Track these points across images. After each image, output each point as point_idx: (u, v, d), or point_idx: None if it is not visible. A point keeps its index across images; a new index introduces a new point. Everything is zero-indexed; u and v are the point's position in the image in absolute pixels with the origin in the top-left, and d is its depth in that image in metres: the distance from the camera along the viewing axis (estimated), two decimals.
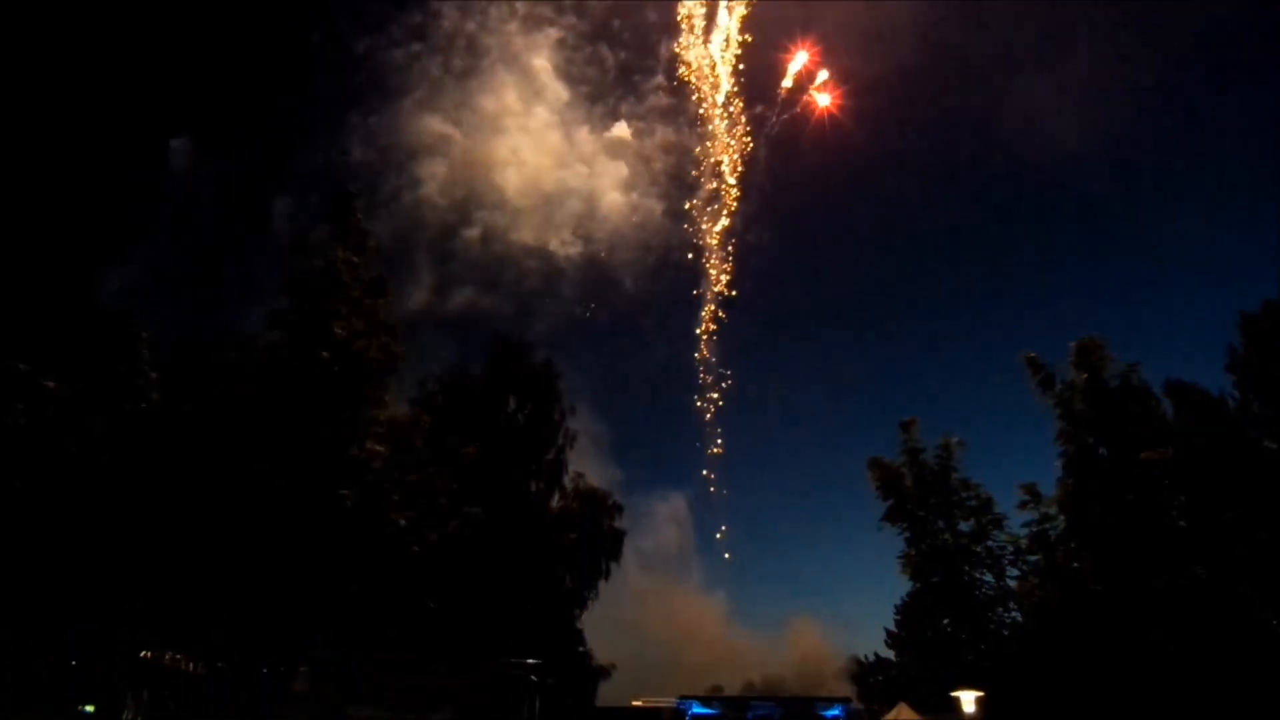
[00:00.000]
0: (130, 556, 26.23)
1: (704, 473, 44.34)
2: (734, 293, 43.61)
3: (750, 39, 39.31)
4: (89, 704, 26.44)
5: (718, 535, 46.30)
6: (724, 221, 42.99)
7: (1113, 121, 65.22)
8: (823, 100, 39.76)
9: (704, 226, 43.07)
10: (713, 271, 42.92)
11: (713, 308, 43.30)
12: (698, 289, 44.08)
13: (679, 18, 40.38)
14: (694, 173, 43.16)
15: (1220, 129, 60.87)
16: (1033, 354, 31.33)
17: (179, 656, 28.77)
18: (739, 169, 42.12)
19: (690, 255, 44.58)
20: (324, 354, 29.06)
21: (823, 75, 39.28)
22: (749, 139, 41.62)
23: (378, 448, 29.32)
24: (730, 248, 43.15)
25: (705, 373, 43.33)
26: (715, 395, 43.30)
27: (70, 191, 31.98)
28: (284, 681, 27.02)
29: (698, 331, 44.05)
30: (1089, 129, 62.77)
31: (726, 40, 39.46)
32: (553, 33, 49.31)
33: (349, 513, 27.75)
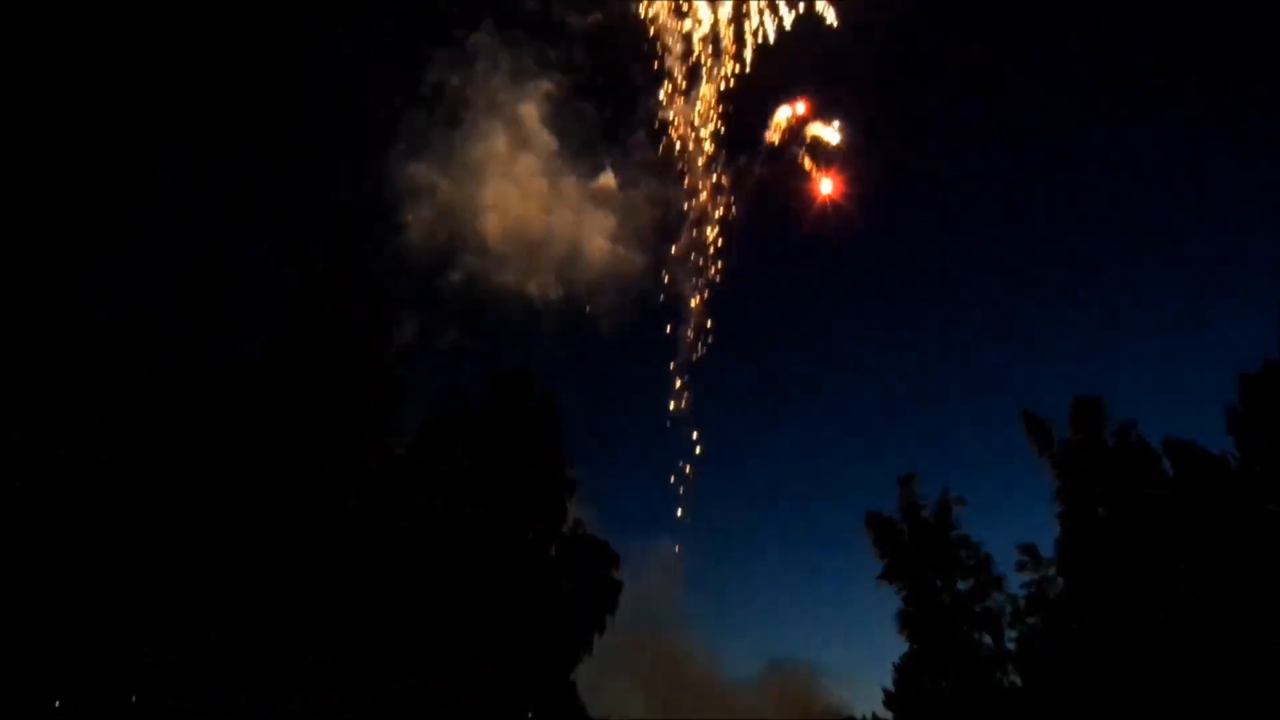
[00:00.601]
0: (128, 557, 26.44)
1: (679, 512, 43.84)
2: (701, 351, 43.15)
3: (735, 89, 39.54)
4: (88, 705, 26.34)
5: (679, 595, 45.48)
6: (707, 273, 42.96)
7: (1113, 180, 65.21)
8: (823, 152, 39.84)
9: (686, 279, 43.12)
10: (693, 328, 42.70)
11: (697, 350, 43.08)
12: (676, 341, 43.79)
13: (663, 87, 40.71)
14: (680, 231, 43.19)
15: (1221, 186, 60.72)
16: (1030, 411, 31.35)
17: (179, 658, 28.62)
18: (721, 222, 42.25)
19: (669, 306, 44.31)
20: (321, 366, 29.62)
21: (831, 132, 39.25)
22: (731, 197, 41.80)
23: (370, 477, 29.64)
24: (704, 298, 42.93)
25: (686, 428, 42.95)
26: (697, 451, 42.90)
27: (66, 205, 32.51)
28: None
29: (677, 386, 43.75)
30: (1089, 187, 62.83)
31: (705, 101, 39.88)
32: (541, 85, 50.27)
33: (348, 517, 28.00)
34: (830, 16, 35.93)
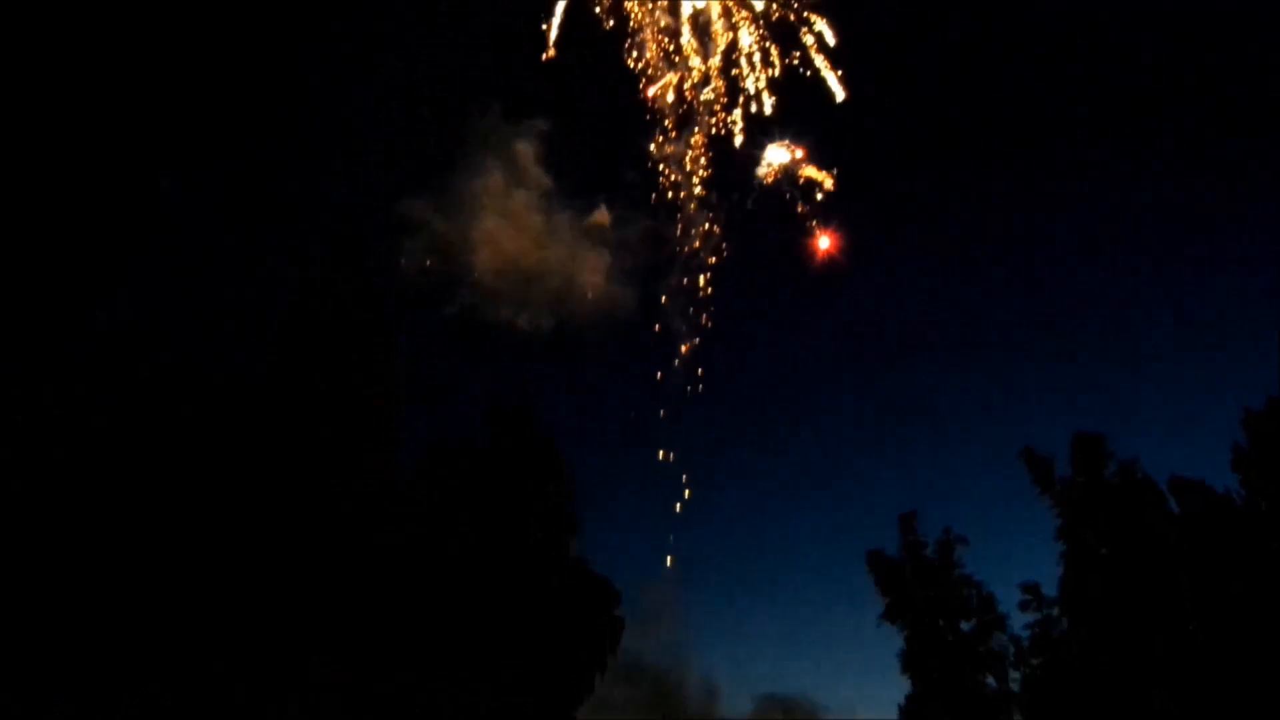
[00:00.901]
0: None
1: (668, 560, 43.48)
2: (691, 393, 42.69)
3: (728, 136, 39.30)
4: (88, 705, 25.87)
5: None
6: (699, 319, 42.58)
7: (1114, 215, 64.54)
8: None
9: (677, 321, 42.84)
10: (684, 368, 42.31)
11: (687, 394, 42.71)
12: (667, 383, 43.30)
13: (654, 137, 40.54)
14: (673, 270, 42.91)
15: (1224, 223, 59.98)
16: (1031, 448, 31.00)
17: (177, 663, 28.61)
18: (712, 268, 41.92)
19: (662, 344, 43.99)
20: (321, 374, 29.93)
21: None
22: (722, 243, 41.46)
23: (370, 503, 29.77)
24: (693, 345, 42.49)
25: (676, 469, 42.54)
26: (686, 495, 42.48)
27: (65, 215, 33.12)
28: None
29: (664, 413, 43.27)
30: (1091, 223, 62.24)
31: (696, 148, 39.65)
32: (536, 124, 50.61)
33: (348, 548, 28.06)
34: (839, 92, 35.14)
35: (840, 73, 34.43)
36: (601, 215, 49.05)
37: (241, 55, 37.21)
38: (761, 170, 37.57)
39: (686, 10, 35.69)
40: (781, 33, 35.28)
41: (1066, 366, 68.85)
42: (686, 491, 41.14)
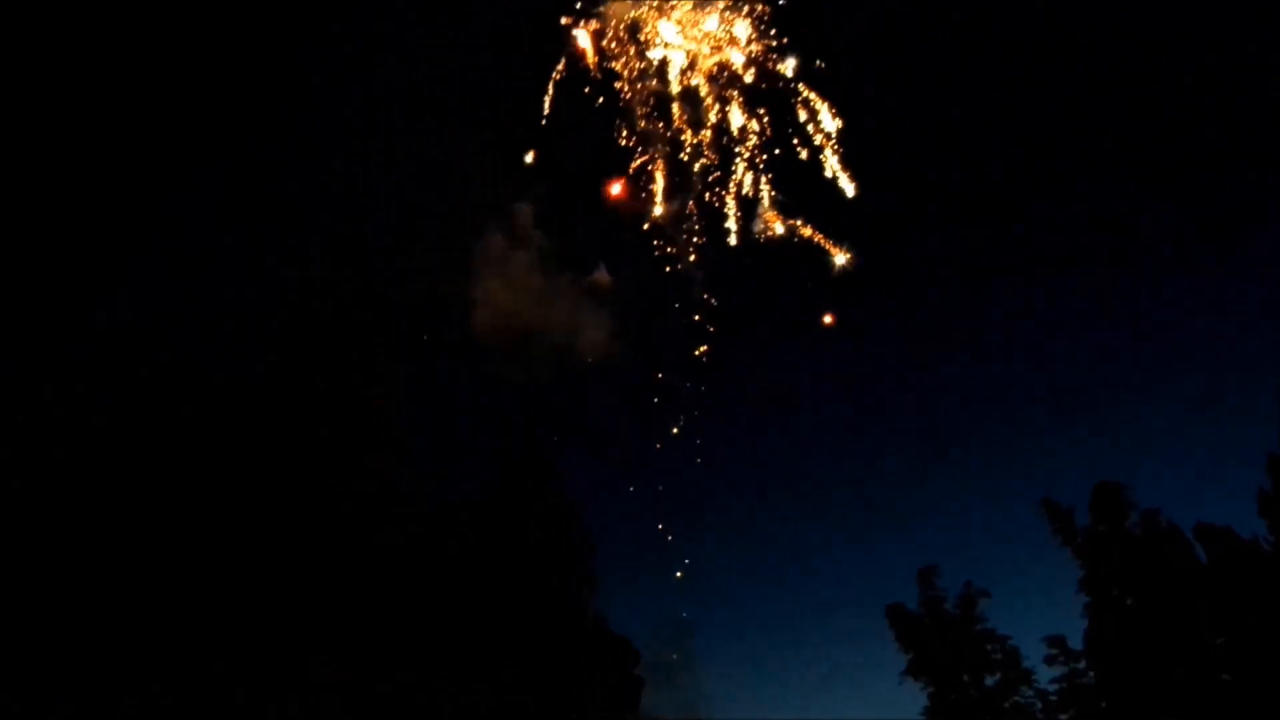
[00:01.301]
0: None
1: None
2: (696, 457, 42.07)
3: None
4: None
5: None
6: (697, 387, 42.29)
7: (1131, 259, 65.21)
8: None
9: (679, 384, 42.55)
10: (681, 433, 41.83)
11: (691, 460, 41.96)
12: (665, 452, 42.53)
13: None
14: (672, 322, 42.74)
15: (1243, 262, 60.38)
16: (1051, 499, 30.66)
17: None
18: (712, 333, 41.75)
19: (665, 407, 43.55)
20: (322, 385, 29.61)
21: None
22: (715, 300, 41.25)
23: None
24: (689, 419, 42.00)
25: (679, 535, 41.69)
26: (686, 563, 41.57)
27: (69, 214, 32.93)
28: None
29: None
30: (1108, 267, 62.52)
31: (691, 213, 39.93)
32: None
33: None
34: (849, 188, 35.33)
35: (848, 170, 34.67)
36: (601, 276, 49.21)
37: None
38: (760, 228, 37.22)
39: (674, 74, 36.06)
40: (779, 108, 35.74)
41: (1085, 415, 67.86)
42: (679, 573, 40.37)
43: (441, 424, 34.65)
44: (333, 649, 25.71)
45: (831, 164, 34.43)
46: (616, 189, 35.13)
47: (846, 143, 34.19)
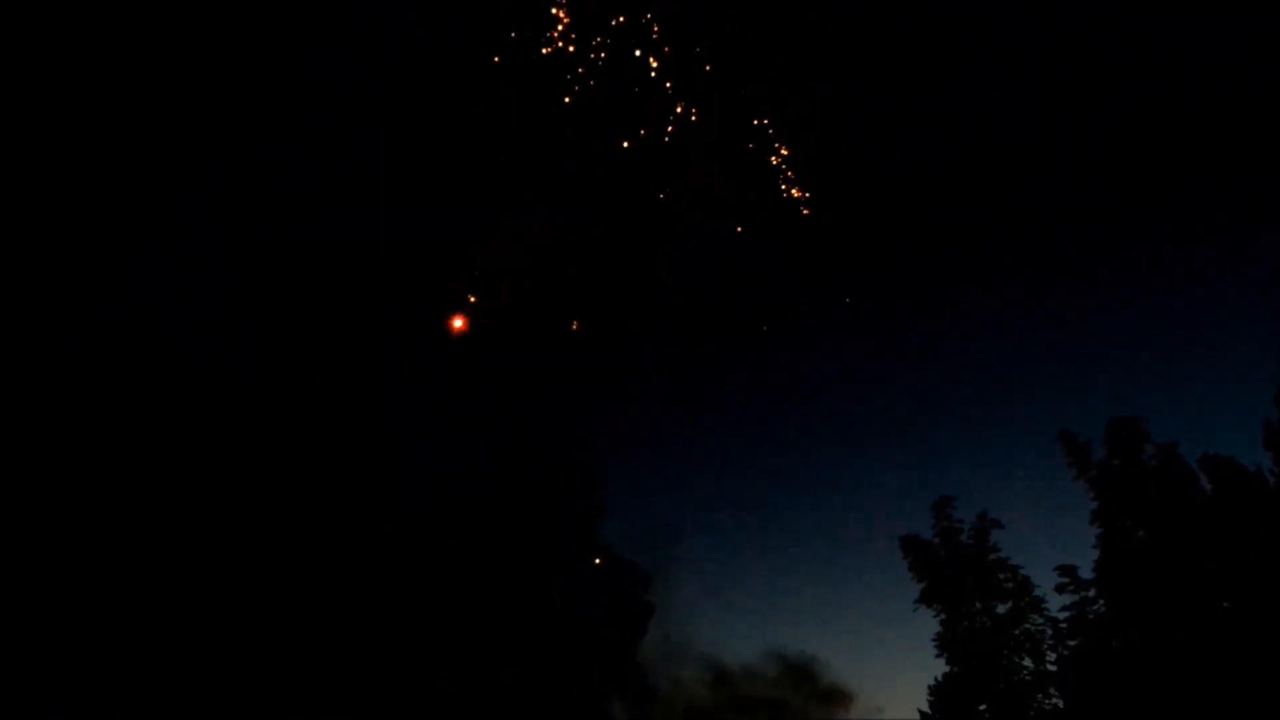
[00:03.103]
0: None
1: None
2: None
3: None
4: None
5: None
6: None
7: (1148, 200, 61.18)
8: None
9: None
10: None
11: None
12: None
13: None
14: None
15: (1256, 200, 56.40)
16: (1068, 432, 30.63)
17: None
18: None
19: None
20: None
21: None
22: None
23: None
24: None
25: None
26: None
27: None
28: None
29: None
30: (1124, 211, 59.12)
31: None
32: None
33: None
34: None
35: None
36: None
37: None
38: None
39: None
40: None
41: (1100, 349, 67.01)
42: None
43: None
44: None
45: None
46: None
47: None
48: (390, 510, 31.09)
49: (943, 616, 31.36)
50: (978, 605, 31.06)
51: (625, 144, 36.36)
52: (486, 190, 37.78)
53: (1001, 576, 31.05)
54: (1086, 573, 29.65)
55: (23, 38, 32.27)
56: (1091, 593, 29.45)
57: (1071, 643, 29.88)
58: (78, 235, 32.55)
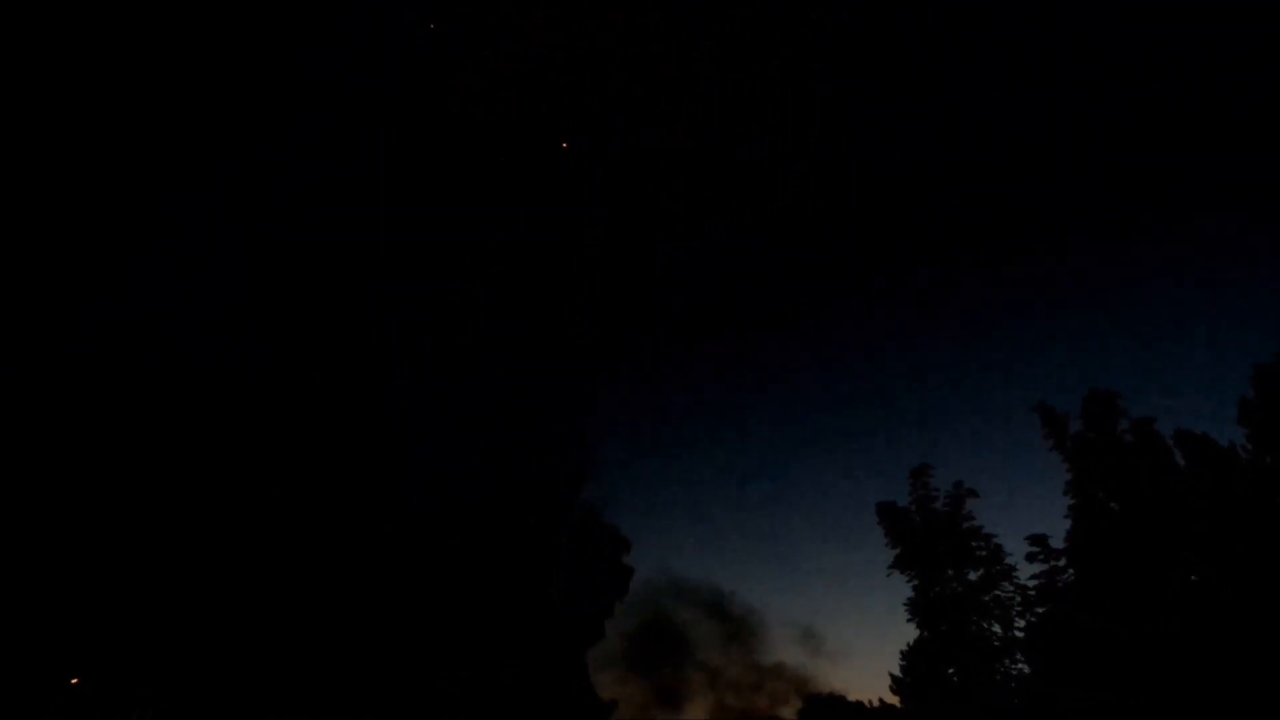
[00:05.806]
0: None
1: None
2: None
3: None
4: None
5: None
6: None
7: (1126, 176, 62.89)
8: None
9: None
10: None
11: None
12: None
13: None
14: None
15: (1235, 180, 58.34)
16: (1045, 404, 31.38)
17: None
18: None
19: None
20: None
21: None
22: None
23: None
24: None
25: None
26: None
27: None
28: None
29: None
30: (1101, 186, 60.68)
31: None
32: None
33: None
34: None
35: None
36: None
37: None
38: None
39: None
40: None
41: (1078, 324, 68.76)
42: None
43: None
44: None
45: None
46: None
47: None
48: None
49: (916, 583, 32.35)
50: (950, 572, 32.02)
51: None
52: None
53: (974, 544, 32.00)
54: (1058, 543, 30.44)
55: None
56: (1061, 562, 30.28)
57: (1040, 610, 30.80)
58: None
